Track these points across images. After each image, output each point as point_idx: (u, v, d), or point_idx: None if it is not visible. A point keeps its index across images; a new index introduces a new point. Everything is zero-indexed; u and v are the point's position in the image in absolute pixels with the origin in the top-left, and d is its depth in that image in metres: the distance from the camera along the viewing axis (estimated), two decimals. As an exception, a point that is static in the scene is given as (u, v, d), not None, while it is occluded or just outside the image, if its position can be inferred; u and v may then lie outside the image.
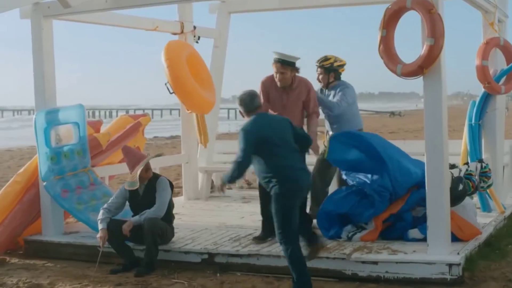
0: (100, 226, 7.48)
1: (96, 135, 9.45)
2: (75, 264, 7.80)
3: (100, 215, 7.56)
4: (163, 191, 7.66)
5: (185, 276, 7.11)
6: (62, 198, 8.27)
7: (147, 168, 7.74)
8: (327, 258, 6.92)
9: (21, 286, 6.92)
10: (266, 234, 7.65)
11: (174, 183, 14.47)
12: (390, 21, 6.85)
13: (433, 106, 6.67)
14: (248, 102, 6.74)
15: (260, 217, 9.10)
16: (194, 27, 11.06)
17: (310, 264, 6.61)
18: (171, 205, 7.81)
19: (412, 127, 38.79)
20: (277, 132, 6.52)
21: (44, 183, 8.32)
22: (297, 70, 7.98)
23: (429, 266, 6.59)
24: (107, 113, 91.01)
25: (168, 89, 10.00)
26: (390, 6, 6.84)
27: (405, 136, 29.55)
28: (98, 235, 7.46)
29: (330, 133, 8.62)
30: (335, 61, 8.57)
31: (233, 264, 7.30)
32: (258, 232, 7.92)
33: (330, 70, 8.58)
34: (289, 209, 6.28)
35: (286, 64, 7.86)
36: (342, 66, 8.66)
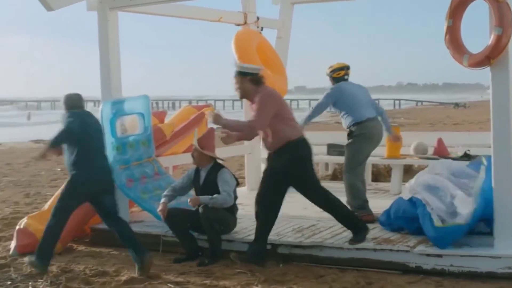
0: (162, 200, 7.62)
1: (161, 126, 9.54)
2: (139, 253, 7.90)
3: (165, 192, 7.71)
4: (226, 182, 7.68)
5: (248, 266, 7.13)
6: (127, 187, 8.38)
7: (199, 152, 7.75)
8: (391, 250, 6.87)
9: (87, 273, 7.05)
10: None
11: (236, 173, 14.58)
12: (457, 10, 6.73)
13: (501, 97, 6.53)
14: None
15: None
16: (257, 18, 11.08)
17: (369, 255, 6.58)
18: (235, 197, 7.84)
19: (477, 118, 38.12)
20: None
21: (110, 173, 8.42)
22: (256, 81, 7.30)
23: (495, 260, 6.48)
24: (170, 104, 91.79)
25: None
26: (457, -5, 6.73)
27: (470, 128, 29.07)
28: (159, 208, 7.58)
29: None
30: (328, 68, 8.94)
31: (296, 255, 7.30)
32: (320, 223, 7.89)
33: (330, 77, 8.97)
34: None
35: (237, 75, 7.34)
36: (334, 71, 8.89)
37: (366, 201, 8.53)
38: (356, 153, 8.71)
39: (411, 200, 7.38)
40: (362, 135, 8.65)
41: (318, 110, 8.96)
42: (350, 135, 8.79)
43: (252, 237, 7.53)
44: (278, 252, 7.37)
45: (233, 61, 9.84)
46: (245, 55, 9.75)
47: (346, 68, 9.00)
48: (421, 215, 7.11)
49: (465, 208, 6.86)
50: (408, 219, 7.37)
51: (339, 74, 8.95)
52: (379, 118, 8.98)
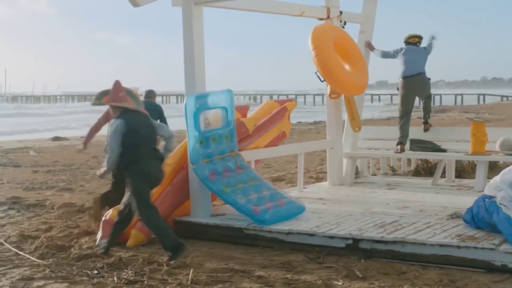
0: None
1: (243, 120, 9.61)
2: (222, 246, 7.99)
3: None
4: (108, 137, 7.49)
5: (330, 261, 7.14)
6: (210, 180, 8.46)
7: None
8: (475, 248, 6.74)
9: (171, 264, 7.16)
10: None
11: (318, 168, 14.69)
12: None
13: None
14: None
15: (406, 204, 9.03)
16: (340, 12, 11.05)
17: (453, 252, 6.48)
18: (129, 144, 7.48)
19: None
20: None
21: (193, 166, 8.54)
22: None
23: None
24: (252, 98, 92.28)
25: (318, 77, 10.14)
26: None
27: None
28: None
29: None
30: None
31: (378, 251, 7.25)
32: (403, 219, 7.83)
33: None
34: None
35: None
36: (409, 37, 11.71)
37: None
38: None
39: (486, 205, 7.25)
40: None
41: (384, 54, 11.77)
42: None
43: (333, 231, 7.53)
44: (360, 247, 7.34)
45: (310, 56, 9.86)
46: (321, 54, 9.76)
47: (417, 37, 11.77)
48: (498, 220, 6.97)
49: None
50: (488, 224, 7.24)
51: (413, 40, 11.74)
52: None
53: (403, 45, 11.70)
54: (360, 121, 11.25)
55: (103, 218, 8.37)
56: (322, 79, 10.27)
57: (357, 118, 11.11)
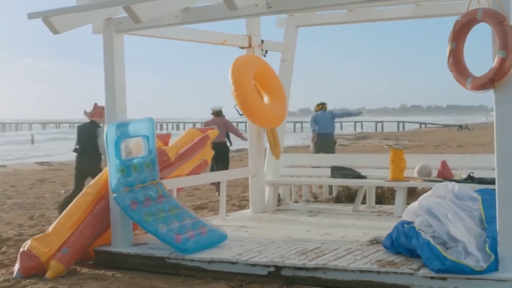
0: None
1: (165, 148, 9.57)
2: (143, 275, 7.89)
3: None
4: None
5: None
6: (131, 209, 8.38)
7: None
8: (395, 273, 6.84)
9: (91, 296, 7.04)
10: None
11: (241, 196, 14.71)
12: (460, 33, 6.77)
13: (505, 119, 6.53)
14: None
15: (327, 231, 9.12)
16: (262, 41, 11.14)
17: (373, 278, 6.54)
18: None
19: (481, 140, 38.10)
20: None
21: (114, 195, 8.45)
22: None
23: (501, 284, 6.44)
24: (175, 126, 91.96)
25: (237, 111, 10.20)
26: (460, 18, 6.76)
27: (474, 150, 29.05)
28: None
29: None
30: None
31: (300, 278, 7.27)
32: (324, 246, 7.91)
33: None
34: None
35: None
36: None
37: None
38: None
39: (405, 230, 7.39)
40: None
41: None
42: None
43: (255, 259, 7.53)
44: (282, 274, 7.35)
45: (230, 89, 9.96)
46: (241, 89, 9.84)
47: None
48: (418, 245, 7.11)
49: (474, 245, 6.84)
50: (407, 249, 7.37)
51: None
52: None
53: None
54: (280, 148, 11.33)
55: (21, 249, 8.18)
56: (241, 113, 10.35)
57: (279, 146, 11.20)
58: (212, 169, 14.52)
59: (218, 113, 15.69)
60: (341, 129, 74.60)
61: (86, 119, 12.27)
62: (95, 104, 12.17)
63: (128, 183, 8.55)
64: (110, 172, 8.51)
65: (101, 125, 11.90)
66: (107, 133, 8.49)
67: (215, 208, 12.93)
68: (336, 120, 16.46)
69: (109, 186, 8.54)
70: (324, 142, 16.04)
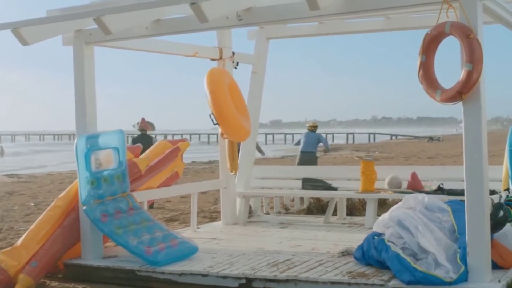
0: None
1: (135, 160, 9.53)
2: (113, 288, 7.85)
3: None
4: None
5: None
6: (101, 222, 8.33)
7: None
8: (365, 284, 6.86)
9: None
10: None
11: (212, 208, 14.69)
12: (430, 46, 6.83)
13: (473, 131, 6.61)
14: None
15: (298, 243, 9.14)
16: (233, 53, 11.15)
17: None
18: None
19: (451, 152, 38.45)
20: None
21: (84, 207, 8.40)
22: None
23: (469, 294, 6.50)
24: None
25: (212, 120, 10.13)
26: (429, 32, 6.83)
27: (444, 162, 29.30)
28: None
29: None
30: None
31: (271, 290, 7.27)
32: (295, 258, 7.91)
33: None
34: None
35: None
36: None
37: None
38: None
39: (375, 243, 7.43)
40: None
41: None
42: None
43: (226, 271, 7.52)
44: (253, 286, 7.34)
45: (205, 97, 9.90)
46: (218, 97, 9.81)
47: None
48: (387, 258, 7.14)
49: (444, 256, 6.89)
50: (377, 261, 7.40)
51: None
52: None
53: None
54: (237, 162, 11.20)
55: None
56: (215, 122, 10.30)
57: (236, 159, 11.10)
58: None
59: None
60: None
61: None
62: (143, 118, 14.95)
63: (98, 195, 8.50)
64: (80, 184, 8.46)
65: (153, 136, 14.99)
66: (77, 145, 8.44)
67: (186, 220, 12.89)
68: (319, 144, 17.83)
69: (79, 199, 8.49)
70: (307, 158, 17.20)
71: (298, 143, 17.99)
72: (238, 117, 10.16)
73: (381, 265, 7.32)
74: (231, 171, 11.19)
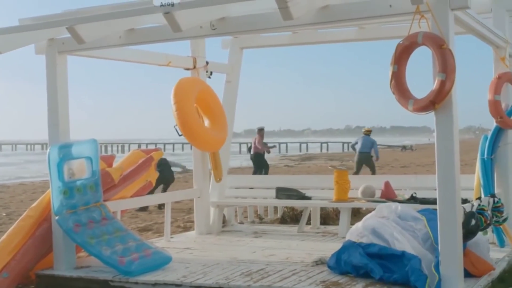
0: None
1: (109, 170, 9.48)
2: (86, 299, 7.79)
3: None
4: None
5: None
6: (74, 232, 8.27)
7: None
8: (339, 293, 6.88)
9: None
10: None
11: (186, 217, 14.65)
12: (402, 56, 6.88)
13: (445, 140, 6.67)
14: None
15: (272, 252, 9.14)
16: (207, 62, 11.16)
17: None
18: None
19: (424, 161, 38.69)
20: None
21: (57, 217, 8.33)
22: None
23: (442, 302, 6.54)
24: (120, 147, 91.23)
25: (177, 131, 10.12)
26: (401, 42, 6.88)
27: (417, 171, 29.50)
28: None
29: None
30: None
31: (245, 299, 7.26)
32: (269, 267, 7.91)
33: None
34: None
35: None
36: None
37: None
38: None
39: (360, 247, 7.46)
40: None
41: None
42: None
43: (200, 281, 7.50)
44: (227, 296, 7.33)
45: (172, 109, 9.90)
46: (182, 110, 9.81)
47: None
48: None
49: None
50: (354, 266, 7.40)
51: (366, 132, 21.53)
52: None
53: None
54: (221, 171, 11.28)
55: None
56: (180, 133, 10.30)
57: (220, 168, 11.15)
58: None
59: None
60: (287, 151, 75.00)
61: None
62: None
63: (71, 205, 8.44)
64: (52, 194, 8.39)
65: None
66: (50, 154, 8.38)
67: (159, 230, 12.84)
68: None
69: (52, 208, 8.41)
70: (364, 158, 22.43)
71: (355, 144, 22.57)
72: (204, 128, 10.17)
73: (356, 272, 7.33)
74: (216, 180, 11.23)
